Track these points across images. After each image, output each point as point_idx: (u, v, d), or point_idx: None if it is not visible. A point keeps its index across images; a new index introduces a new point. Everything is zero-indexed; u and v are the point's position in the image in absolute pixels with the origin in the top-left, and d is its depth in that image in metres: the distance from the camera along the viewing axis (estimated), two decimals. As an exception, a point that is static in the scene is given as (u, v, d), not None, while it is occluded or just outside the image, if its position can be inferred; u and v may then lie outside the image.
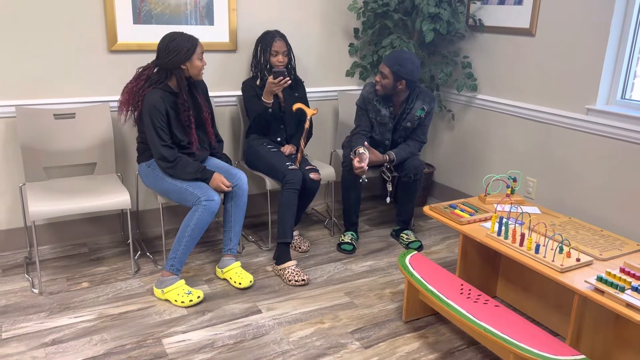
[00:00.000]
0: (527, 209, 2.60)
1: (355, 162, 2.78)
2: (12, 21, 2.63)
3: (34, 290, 2.54)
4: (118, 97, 2.82)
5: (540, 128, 3.12)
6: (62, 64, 2.79)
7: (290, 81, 2.89)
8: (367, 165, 2.83)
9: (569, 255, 2.09)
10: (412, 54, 2.89)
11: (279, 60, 2.95)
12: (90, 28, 2.80)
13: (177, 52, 2.47)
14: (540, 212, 2.59)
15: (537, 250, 2.11)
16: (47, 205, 2.47)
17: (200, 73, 2.59)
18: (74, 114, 2.82)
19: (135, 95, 2.53)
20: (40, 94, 2.78)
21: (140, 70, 2.58)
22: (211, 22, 3.09)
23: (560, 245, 2.11)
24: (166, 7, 2.94)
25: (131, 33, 2.89)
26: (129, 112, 2.58)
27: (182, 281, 2.51)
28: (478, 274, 2.57)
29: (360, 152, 2.84)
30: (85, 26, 2.78)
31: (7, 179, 2.82)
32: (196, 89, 2.69)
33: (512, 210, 2.53)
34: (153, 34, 2.93)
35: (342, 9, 3.46)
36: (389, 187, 3.03)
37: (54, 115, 2.77)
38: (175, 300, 2.45)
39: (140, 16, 2.89)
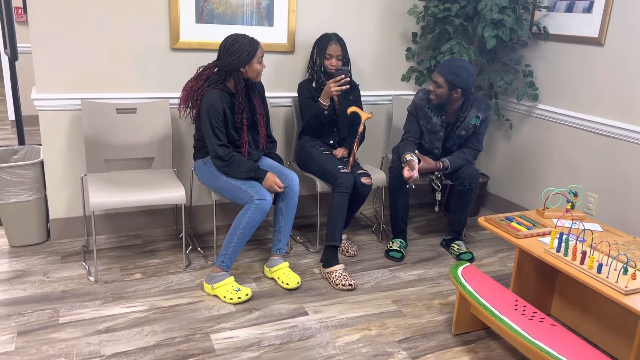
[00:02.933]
0: (588, 225, 2.49)
1: (405, 172, 2.73)
2: (80, 18, 2.73)
3: (90, 278, 2.63)
4: (178, 95, 2.89)
5: (604, 142, 2.98)
6: (126, 61, 2.87)
7: (349, 86, 2.87)
8: (420, 173, 2.78)
9: (634, 277, 1.98)
10: (466, 61, 2.82)
11: (332, 63, 2.95)
12: (154, 26, 2.88)
13: (237, 55, 2.50)
14: (602, 230, 2.47)
15: (599, 270, 2.01)
16: (106, 196, 2.55)
17: (258, 76, 2.62)
18: (135, 109, 2.90)
19: (195, 93, 2.58)
20: (104, 89, 2.88)
21: (200, 69, 2.63)
22: (270, 24, 3.11)
23: (625, 265, 2.00)
24: (228, 7, 2.99)
25: (193, 32, 2.95)
26: (187, 109, 2.63)
27: (232, 278, 2.54)
28: (533, 291, 2.48)
29: (408, 159, 2.79)
30: (149, 24, 2.86)
31: (70, 169, 2.93)
32: (253, 90, 2.72)
33: (572, 227, 2.43)
34: (214, 34, 2.98)
35: (402, 12, 3.43)
36: (438, 197, 2.97)
37: (117, 109, 2.86)
38: (224, 297, 2.48)
39: (203, 16, 2.95)
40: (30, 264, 2.75)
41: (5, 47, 3.15)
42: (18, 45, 3.11)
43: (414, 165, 2.76)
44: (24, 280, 2.58)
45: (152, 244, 3.04)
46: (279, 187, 2.61)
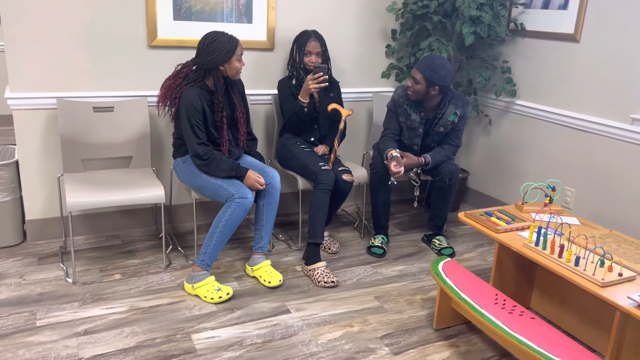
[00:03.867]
0: (566, 219, 2.52)
1: (393, 167, 2.74)
2: (55, 15, 2.68)
3: (68, 279, 2.59)
4: (156, 93, 2.85)
5: (581, 136, 3.02)
6: (102, 58, 2.83)
7: (327, 83, 2.87)
8: (417, 171, 2.81)
9: (610, 269, 2.02)
10: (444, 59, 2.84)
11: (311, 60, 2.94)
12: (131, 23, 2.83)
13: (217, 53, 2.48)
14: (579, 224, 2.51)
15: (577, 263, 2.04)
16: (83, 196, 2.51)
17: (238, 73, 2.60)
18: (113, 107, 2.86)
19: (173, 92, 2.55)
20: (80, 87, 2.83)
21: (179, 67, 2.60)
22: (250, 21, 3.09)
23: (601, 258, 2.03)
24: (206, 4, 2.96)
25: (171, 29, 2.91)
26: (166, 108, 2.60)
27: (212, 277, 2.52)
28: (513, 284, 2.51)
29: (394, 155, 2.80)
30: (126, 21, 2.82)
31: (45, 170, 2.87)
32: (233, 88, 2.69)
33: (550, 221, 2.46)
34: (192, 31, 2.95)
35: (381, 10, 3.43)
36: (417, 192, 2.99)
37: (93, 108, 2.82)
38: (205, 297, 2.46)
39: (181, 12, 2.92)
40: (5, 266, 2.69)
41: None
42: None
43: (400, 161, 2.77)
44: (0, 283, 2.53)
45: (132, 244, 3.00)
46: (261, 185, 2.59)
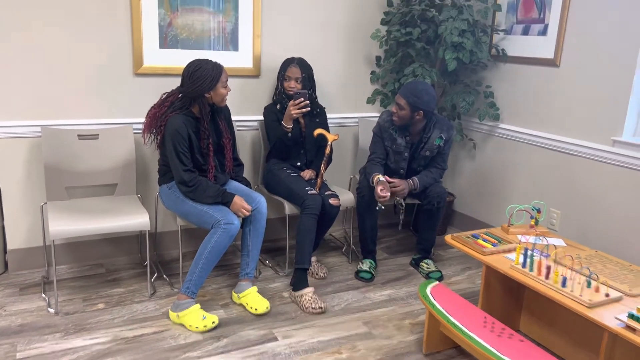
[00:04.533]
0: (552, 240, 2.53)
1: (379, 191, 2.74)
2: (40, 41, 2.69)
3: (50, 310, 2.53)
4: (142, 120, 2.85)
5: (564, 159, 3.06)
6: (88, 86, 2.83)
7: (309, 108, 2.89)
8: (402, 195, 2.81)
9: (597, 290, 2.02)
10: (427, 84, 2.88)
11: (290, 85, 2.97)
12: (117, 51, 2.85)
13: (201, 81, 2.48)
14: (565, 245, 2.52)
15: (563, 284, 2.04)
16: (67, 224, 2.47)
17: (224, 100, 2.61)
18: (98, 135, 2.85)
19: (158, 120, 2.54)
20: (65, 115, 2.82)
21: (164, 96, 2.60)
22: (235, 48, 3.12)
23: (588, 279, 2.04)
24: (192, 33, 2.99)
25: (157, 57, 2.93)
26: (151, 136, 2.59)
27: (197, 306, 2.48)
28: (501, 307, 2.50)
29: (381, 179, 2.81)
30: (112, 49, 2.83)
31: (28, 198, 2.84)
32: (219, 114, 2.70)
33: (537, 242, 2.47)
34: (179, 58, 2.97)
35: (365, 37, 3.49)
36: (401, 216, 3.00)
37: (78, 136, 2.81)
38: (190, 325, 2.41)
39: (167, 40, 2.94)
40: (-14, 297, 2.63)
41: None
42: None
43: (387, 186, 2.78)
44: (-21, 315, 2.47)
45: (116, 273, 2.95)
46: (247, 211, 2.58)
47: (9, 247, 2.86)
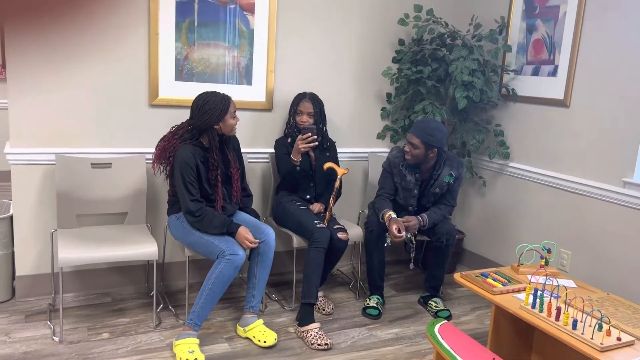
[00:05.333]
0: (562, 282, 2.50)
1: (395, 230, 2.74)
2: (58, 74, 2.76)
3: (55, 338, 2.52)
4: (154, 150, 2.90)
5: (575, 199, 3.05)
6: (103, 115, 2.89)
7: (317, 142, 2.92)
8: (413, 230, 2.81)
9: (608, 333, 1.98)
10: (438, 122, 2.91)
11: (302, 119, 3.02)
12: (133, 82, 2.91)
13: (210, 113, 2.52)
14: (576, 286, 2.49)
15: (574, 326, 2.00)
16: (76, 252, 2.49)
17: (233, 130, 2.64)
18: (111, 164, 2.89)
19: (167, 151, 2.57)
20: (80, 143, 2.87)
21: (174, 128, 2.64)
22: (249, 82, 3.19)
23: (599, 322, 2.00)
24: (207, 66, 3.06)
25: (172, 89, 2.99)
26: (161, 167, 2.62)
27: (195, 339, 2.43)
28: (510, 348, 2.45)
29: (394, 217, 2.80)
30: (129, 80, 2.90)
31: (39, 225, 2.86)
32: (227, 144, 2.73)
33: (547, 283, 2.43)
34: (193, 91, 3.00)
35: (376, 74, 3.55)
36: (412, 253, 2.98)
37: (91, 164, 2.85)
38: (180, 358, 2.36)
39: (182, 73, 3.01)
40: (-9, 323, 2.63)
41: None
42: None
43: (402, 226, 2.77)
44: (-16, 341, 2.46)
45: (122, 302, 2.94)
46: (251, 243, 2.57)
47: (18, 273, 2.87)
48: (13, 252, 2.87)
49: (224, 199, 2.68)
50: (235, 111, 2.61)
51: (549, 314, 2.10)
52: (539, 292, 2.22)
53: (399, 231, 2.75)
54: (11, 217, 2.84)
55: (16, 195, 2.80)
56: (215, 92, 2.58)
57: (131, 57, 2.88)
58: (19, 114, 2.72)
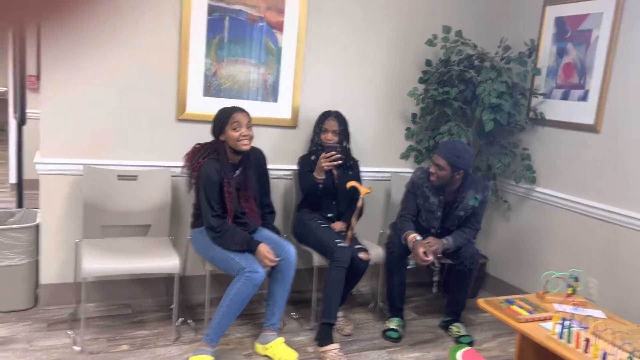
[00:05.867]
0: (591, 312, 2.43)
1: (421, 254, 2.69)
2: (90, 87, 2.81)
3: (75, 347, 2.53)
4: (179, 163, 2.93)
5: (604, 227, 2.97)
6: (131, 128, 2.93)
7: (341, 161, 2.91)
8: (437, 253, 2.77)
9: (640, 368, 1.91)
10: (464, 143, 2.88)
11: (327, 137, 3.01)
12: (162, 96, 2.96)
13: (213, 125, 2.59)
14: (604, 317, 2.41)
15: (604, 359, 1.94)
16: (99, 263, 2.51)
17: (240, 143, 2.56)
18: (137, 176, 2.92)
19: (193, 161, 2.60)
20: (107, 155, 2.91)
21: (198, 146, 2.67)
22: (275, 99, 3.21)
23: (630, 356, 1.93)
24: (235, 82, 3.09)
25: (199, 104, 3.03)
26: (189, 179, 2.64)
27: (209, 357, 2.42)
28: (535, 379, 2.38)
29: (419, 239, 2.76)
30: (158, 94, 2.94)
31: (65, 234, 2.90)
32: (249, 159, 2.71)
33: (575, 312, 2.37)
34: (220, 107, 3.03)
35: (402, 94, 3.54)
36: (436, 277, 2.93)
37: (118, 176, 2.88)
38: None
39: (210, 89, 3.04)
40: (14, 330, 2.65)
41: (15, 112, 3.22)
42: (27, 110, 3.19)
43: (429, 249, 2.73)
44: (7, 348, 2.48)
45: (142, 314, 2.95)
46: (270, 262, 2.54)
47: (41, 281, 2.91)
48: (37, 261, 2.91)
49: (238, 216, 2.66)
50: (239, 122, 2.53)
51: (577, 345, 2.04)
52: (566, 322, 2.16)
53: (426, 254, 2.70)
54: (37, 226, 2.88)
55: (44, 204, 2.84)
56: (233, 106, 2.61)
57: (161, 71, 2.93)
58: (50, 124, 2.78)
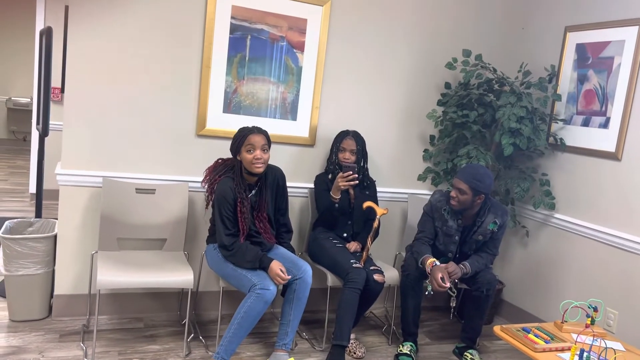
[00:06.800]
0: (610, 343, 2.36)
1: (439, 280, 2.64)
2: (113, 101, 2.86)
3: (86, 360, 2.53)
4: (198, 178, 2.95)
5: (623, 256, 2.91)
6: (151, 142, 2.96)
7: (357, 181, 2.91)
8: (455, 278, 2.73)
9: (662, 405, 1.85)
10: (485, 167, 2.85)
11: (345, 157, 3.01)
12: (183, 112, 2.99)
13: (232, 143, 2.62)
14: (624, 350, 2.35)
15: (624, 394, 1.88)
16: (114, 276, 2.51)
17: (253, 166, 2.56)
18: (155, 190, 2.94)
19: (212, 176, 2.65)
20: (126, 168, 2.94)
21: (221, 160, 2.72)
22: (294, 118, 3.22)
23: (652, 391, 1.87)
24: (255, 100, 3.12)
25: (219, 121, 3.05)
26: (206, 194, 2.67)
27: None
28: (551, 411, 2.31)
29: (438, 264, 2.72)
30: (179, 110, 2.98)
31: (81, 246, 2.92)
32: (266, 179, 2.72)
33: (594, 344, 2.31)
34: (239, 124, 3.07)
35: (421, 116, 3.53)
36: (453, 303, 2.87)
37: (136, 189, 2.90)
38: None
39: (231, 106, 3.07)
40: (27, 340, 2.66)
41: (37, 123, 3.27)
42: (50, 122, 3.24)
43: (447, 275, 2.69)
44: (19, 358, 2.49)
45: (154, 329, 2.94)
46: (282, 280, 2.53)
47: (56, 292, 2.92)
48: (54, 271, 2.93)
49: (253, 235, 2.65)
50: (253, 145, 2.54)
51: (597, 378, 1.98)
52: (585, 354, 2.10)
53: (444, 281, 2.66)
54: (55, 236, 2.90)
55: (62, 215, 2.87)
56: (252, 126, 2.63)
57: (183, 88, 2.96)
58: (72, 136, 2.82)
